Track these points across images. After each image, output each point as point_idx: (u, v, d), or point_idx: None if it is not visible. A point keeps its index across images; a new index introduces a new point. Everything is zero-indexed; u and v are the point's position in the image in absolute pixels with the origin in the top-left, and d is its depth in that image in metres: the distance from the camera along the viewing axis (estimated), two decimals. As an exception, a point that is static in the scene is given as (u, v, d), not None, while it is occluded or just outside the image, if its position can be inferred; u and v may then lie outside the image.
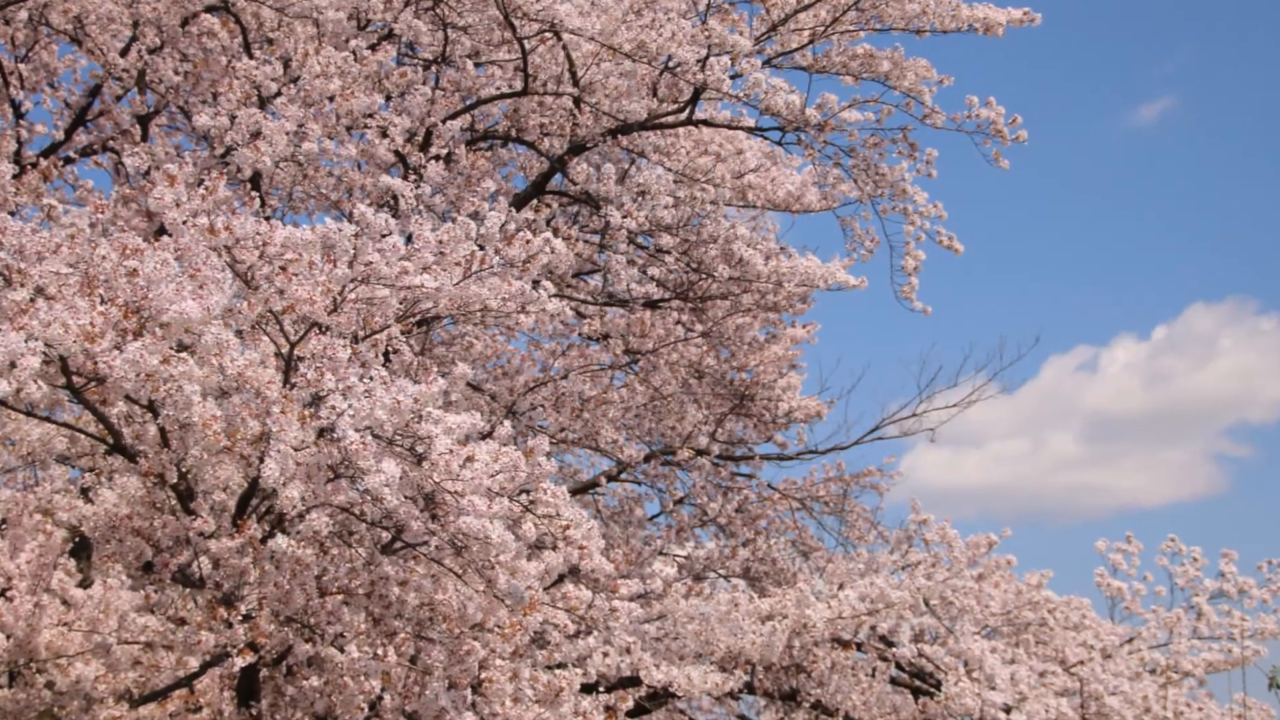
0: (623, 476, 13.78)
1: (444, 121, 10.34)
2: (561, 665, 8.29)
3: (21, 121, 10.32)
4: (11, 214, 6.76)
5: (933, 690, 10.18)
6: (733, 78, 10.46)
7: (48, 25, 10.29)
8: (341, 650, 7.16)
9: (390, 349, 7.78)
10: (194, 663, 7.58)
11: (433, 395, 5.90)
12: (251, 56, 9.93)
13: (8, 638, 7.60)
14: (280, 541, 6.79)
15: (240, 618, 6.76)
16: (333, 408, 5.80)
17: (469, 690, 7.12)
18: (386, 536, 7.36)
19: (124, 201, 9.76)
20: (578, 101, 11.08)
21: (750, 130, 11.42)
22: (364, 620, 7.27)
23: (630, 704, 8.81)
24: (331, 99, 9.41)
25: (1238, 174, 43.50)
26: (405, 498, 6.05)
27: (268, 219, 6.70)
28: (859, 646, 10.23)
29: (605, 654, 9.13)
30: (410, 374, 8.91)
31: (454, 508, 5.89)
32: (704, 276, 12.01)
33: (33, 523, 7.82)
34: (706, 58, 10.43)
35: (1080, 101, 42.87)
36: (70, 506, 7.87)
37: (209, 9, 10.25)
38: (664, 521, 14.17)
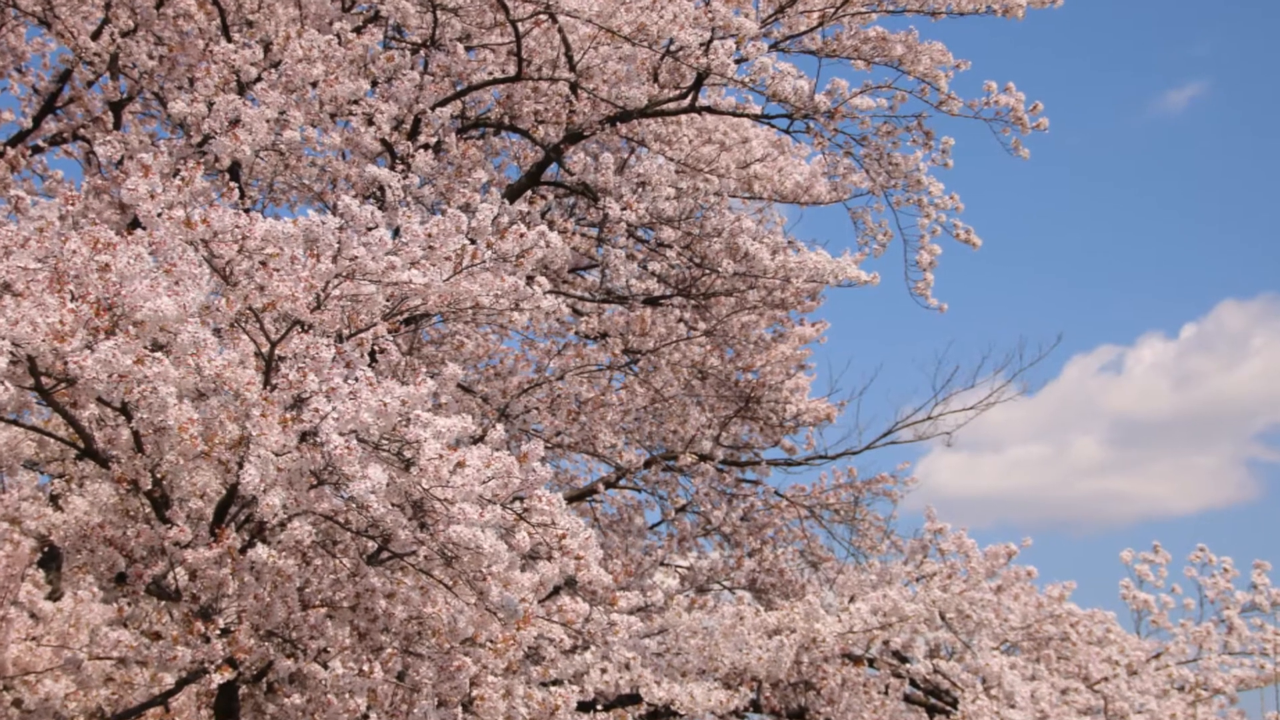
0: (622, 483, 13.79)
1: (433, 108, 10.34)
2: (557, 682, 8.29)
3: (-13, 108, 10.33)
4: (-23, 206, 6.76)
5: (949, 709, 10.18)
6: (738, 62, 10.46)
7: (15, 7, 10.30)
8: (325, 666, 7.17)
9: (376, 348, 7.79)
10: (169, 679, 7.58)
11: (421, 397, 5.91)
12: (230, 40, 9.93)
13: (-27, 653, 7.61)
14: (260, 551, 6.79)
15: (218, 632, 6.77)
16: (316, 410, 5.80)
17: (459, 709, 7.13)
18: (372, 546, 7.37)
19: (96, 193, 9.76)
20: (574, 87, 11.08)
21: (756, 118, 11.43)
22: (349, 634, 7.27)
23: (630, 723, 8.81)
24: (314, 85, 9.41)
25: (1271, 163, 43.50)
26: (392, 505, 6.05)
27: (247, 211, 6.71)
28: (871, 662, 10.23)
29: (603, 670, 9.14)
30: (398, 375, 8.92)
31: (444, 516, 5.90)
32: (707, 272, 12.02)
33: (-1, 532, 7.82)
34: (710, 41, 10.43)
35: (1104, 87, 42.88)
36: (39, 515, 7.87)
37: (185, -10, 10.25)
38: (665, 530, 14.19)
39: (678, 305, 12.87)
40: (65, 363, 5.72)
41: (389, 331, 7.46)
